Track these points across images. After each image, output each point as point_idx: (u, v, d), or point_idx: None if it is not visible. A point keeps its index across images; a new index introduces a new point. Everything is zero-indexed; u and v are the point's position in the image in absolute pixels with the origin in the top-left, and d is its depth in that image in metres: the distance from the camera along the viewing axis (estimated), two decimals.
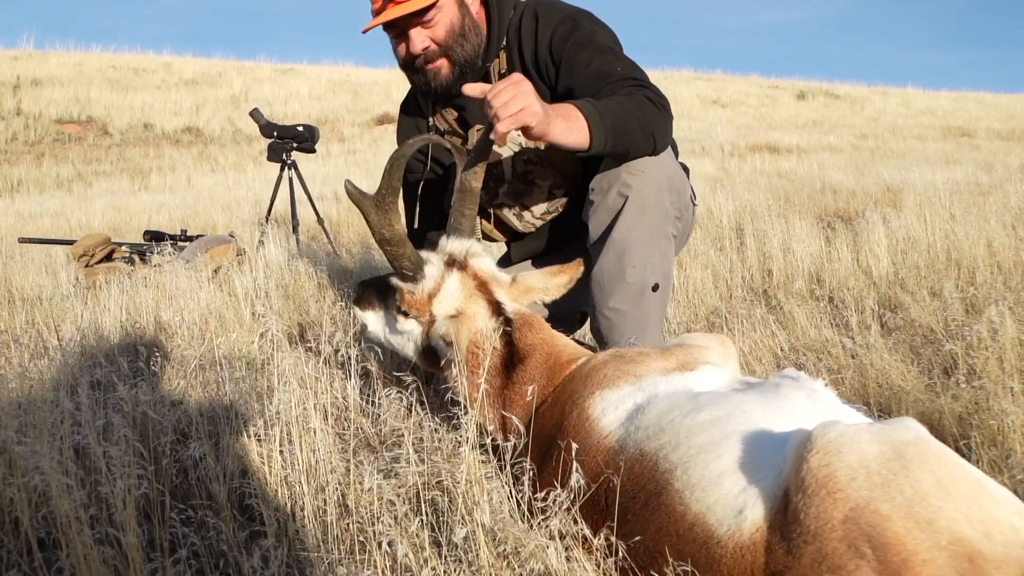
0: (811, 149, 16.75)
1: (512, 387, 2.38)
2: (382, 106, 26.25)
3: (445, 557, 1.88)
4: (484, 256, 2.65)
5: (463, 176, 2.65)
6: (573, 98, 2.68)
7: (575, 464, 1.90)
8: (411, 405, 2.74)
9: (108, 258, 6.08)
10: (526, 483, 2.06)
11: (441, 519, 2.05)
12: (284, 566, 1.92)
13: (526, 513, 2.03)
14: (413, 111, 3.42)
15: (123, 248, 6.25)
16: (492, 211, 3.24)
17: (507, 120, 2.31)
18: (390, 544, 1.84)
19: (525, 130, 2.40)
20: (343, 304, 4.46)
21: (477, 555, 1.83)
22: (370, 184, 9.25)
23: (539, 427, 2.19)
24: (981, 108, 32.72)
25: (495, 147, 2.73)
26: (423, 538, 1.89)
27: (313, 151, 7.21)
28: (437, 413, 2.59)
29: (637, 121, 2.66)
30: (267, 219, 7.02)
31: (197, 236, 6.48)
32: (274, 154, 7.10)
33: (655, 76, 2.86)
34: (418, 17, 2.88)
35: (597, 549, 1.80)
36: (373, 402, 2.84)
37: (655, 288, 2.83)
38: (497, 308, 2.50)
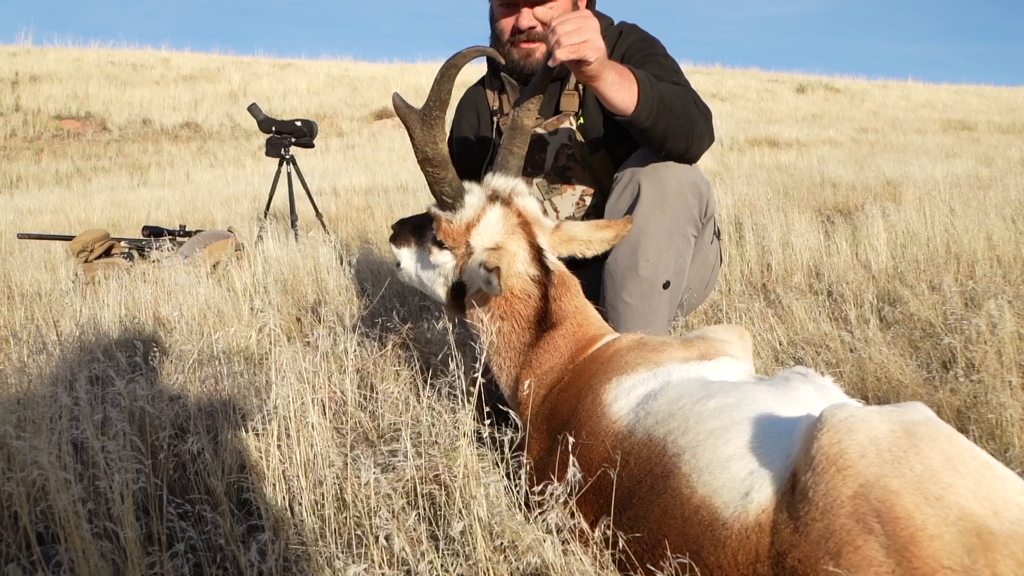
0: (811, 143, 16.74)
1: (537, 351, 2.33)
2: (381, 101, 26.21)
3: (442, 551, 1.88)
4: (529, 197, 2.57)
5: (515, 113, 2.62)
6: None
7: (580, 452, 1.92)
8: (408, 399, 2.74)
9: (107, 254, 6.08)
10: (523, 476, 2.06)
11: (439, 513, 2.05)
12: (281, 560, 1.93)
13: (523, 507, 2.04)
14: (475, 96, 3.43)
15: (122, 244, 6.25)
16: None
17: (568, 48, 2.34)
18: (387, 538, 1.84)
19: (581, 64, 2.40)
20: (343, 297, 4.46)
21: (474, 549, 1.83)
22: (368, 178, 9.19)
23: (553, 409, 2.19)
24: (981, 101, 32.67)
25: (537, 128, 2.76)
26: (420, 532, 1.89)
27: (311, 146, 7.20)
28: (435, 406, 2.59)
29: (683, 108, 2.70)
30: (266, 214, 7.01)
31: (196, 231, 6.48)
32: (272, 149, 7.09)
33: None
34: None
35: (595, 542, 1.80)
36: (371, 397, 2.84)
37: (666, 285, 2.83)
38: (538, 254, 2.43)
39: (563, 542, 1.83)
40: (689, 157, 2.84)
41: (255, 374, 3.14)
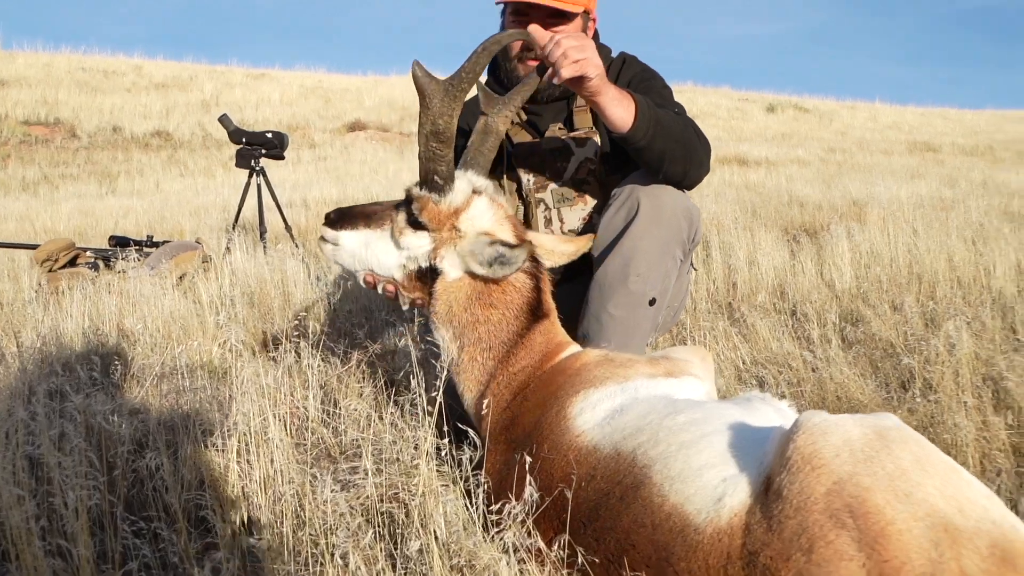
0: (779, 162, 16.93)
1: (517, 347, 2.32)
2: (353, 113, 26.17)
3: (399, 570, 1.88)
4: (502, 197, 2.55)
5: (490, 116, 2.63)
6: None
7: (541, 467, 1.93)
8: (370, 416, 2.73)
9: (72, 263, 6.01)
10: (481, 495, 2.06)
11: (397, 531, 2.04)
12: None
13: (481, 525, 2.03)
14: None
15: (87, 253, 6.19)
16: (530, 200, 3.22)
17: (572, 66, 2.45)
18: (344, 556, 1.83)
19: (584, 80, 2.51)
20: (309, 311, 4.44)
21: (431, 568, 1.83)
22: (339, 190, 9.14)
23: (514, 419, 2.19)
24: (946, 123, 33.27)
25: (563, 136, 2.88)
26: (377, 550, 1.88)
27: (282, 158, 7.18)
28: (397, 423, 2.58)
29: (681, 134, 2.81)
30: (234, 226, 6.97)
31: (163, 242, 6.43)
32: (242, 160, 7.06)
33: None
34: (554, 18, 2.99)
35: (552, 561, 1.81)
36: (334, 412, 2.82)
37: (652, 302, 2.88)
38: (524, 240, 2.42)
39: (519, 561, 1.83)
40: (686, 183, 2.93)
41: (218, 388, 3.11)
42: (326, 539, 1.95)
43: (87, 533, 1.90)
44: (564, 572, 1.79)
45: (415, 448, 2.35)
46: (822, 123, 31.02)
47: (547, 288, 2.45)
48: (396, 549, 1.97)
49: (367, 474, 2.19)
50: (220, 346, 3.66)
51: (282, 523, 2.10)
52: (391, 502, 2.16)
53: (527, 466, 1.91)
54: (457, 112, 2.28)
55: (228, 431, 2.39)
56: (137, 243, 6.35)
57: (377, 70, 35.39)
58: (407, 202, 2.47)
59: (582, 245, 2.65)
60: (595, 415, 2.01)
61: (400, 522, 2.07)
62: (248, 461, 2.30)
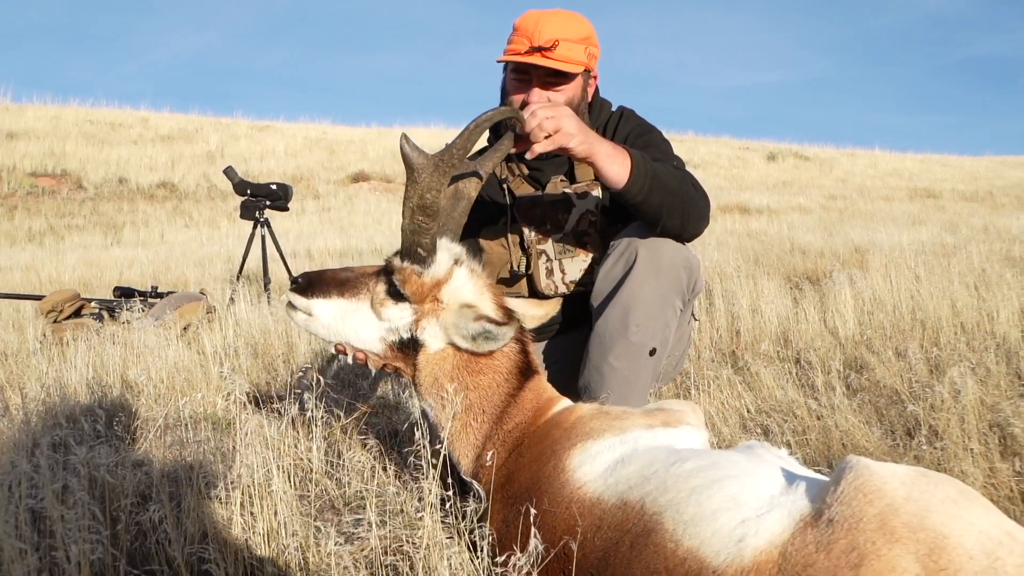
0: (781, 210, 17.03)
1: (509, 407, 2.32)
2: (357, 164, 26.40)
3: None
4: (477, 264, 2.53)
5: (459, 185, 2.57)
6: None
7: (543, 521, 1.92)
8: (374, 467, 2.72)
9: (77, 314, 6.03)
10: (486, 547, 2.04)
11: None
12: None
13: None
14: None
15: (92, 304, 6.21)
16: (532, 251, 3.22)
17: (544, 141, 2.47)
18: None
19: (564, 151, 2.53)
20: (313, 362, 4.44)
21: None
22: (343, 241, 9.20)
23: (511, 475, 2.18)
24: (946, 170, 33.46)
25: (566, 189, 2.93)
26: None
27: (286, 209, 7.24)
28: (401, 475, 2.57)
29: (678, 187, 2.79)
30: (238, 277, 7.00)
31: (167, 293, 6.46)
32: (247, 212, 7.12)
33: None
34: (554, 77, 3.01)
35: None
36: (338, 464, 2.81)
37: (652, 352, 2.87)
38: (509, 314, 2.42)
39: None
40: (685, 236, 2.92)
41: (221, 440, 3.11)
42: None
43: None
44: None
45: (419, 500, 2.34)
46: (823, 171, 31.24)
47: (532, 348, 2.45)
48: None
49: (371, 526, 2.18)
50: (224, 398, 3.66)
51: None
52: (395, 555, 2.15)
53: (531, 518, 1.90)
54: (444, 187, 2.29)
55: (232, 483, 2.38)
56: (142, 294, 6.38)
57: (381, 122, 35.80)
58: (387, 272, 2.45)
59: (550, 309, 2.70)
60: (595, 467, 2.00)
61: (404, 575, 2.05)
62: (252, 513, 2.28)
